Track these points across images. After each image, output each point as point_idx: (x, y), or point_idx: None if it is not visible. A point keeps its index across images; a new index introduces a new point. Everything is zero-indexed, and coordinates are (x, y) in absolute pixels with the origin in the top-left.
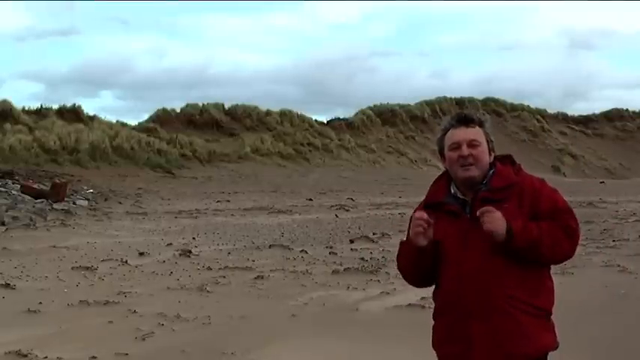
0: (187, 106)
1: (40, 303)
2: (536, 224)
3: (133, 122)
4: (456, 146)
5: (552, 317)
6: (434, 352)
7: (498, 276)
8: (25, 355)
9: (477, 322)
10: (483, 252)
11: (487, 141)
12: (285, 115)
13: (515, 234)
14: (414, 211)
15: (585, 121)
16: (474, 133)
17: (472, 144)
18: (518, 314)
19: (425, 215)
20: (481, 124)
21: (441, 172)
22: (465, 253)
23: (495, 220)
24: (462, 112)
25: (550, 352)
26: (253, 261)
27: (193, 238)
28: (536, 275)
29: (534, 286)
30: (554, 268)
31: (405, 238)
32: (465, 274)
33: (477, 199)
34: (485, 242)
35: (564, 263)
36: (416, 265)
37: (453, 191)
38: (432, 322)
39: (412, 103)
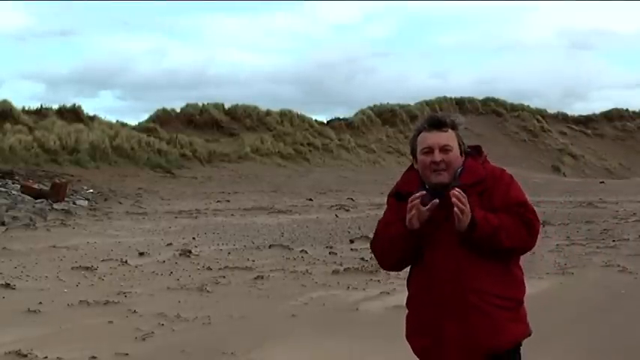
0: (187, 106)
1: (40, 303)
2: (496, 215)
3: (133, 122)
4: (428, 150)
5: (525, 306)
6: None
7: (465, 269)
8: (25, 355)
9: (446, 315)
10: (451, 245)
11: (459, 144)
12: (285, 115)
13: (477, 223)
14: (389, 197)
15: (585, 121)
16: (446, 137)
17: (444, 149)
18: (486, 307)
19: (418, 195)
20: (454, 127)
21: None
22: (435, 246)
23: (464, 212)
24: (435, 115)
25: (522, 340)
26: (253, 261)
27: (193, 238)
28: (502, 266)
29: (502, 278)
30: (554, 269)
31: (383, 220)
32: (435, 267)
33: (448, 197)
34: (452, 236)
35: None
36: (402, 249)
37: (426, 185)
38: (406, 312)
39: (412, 103)
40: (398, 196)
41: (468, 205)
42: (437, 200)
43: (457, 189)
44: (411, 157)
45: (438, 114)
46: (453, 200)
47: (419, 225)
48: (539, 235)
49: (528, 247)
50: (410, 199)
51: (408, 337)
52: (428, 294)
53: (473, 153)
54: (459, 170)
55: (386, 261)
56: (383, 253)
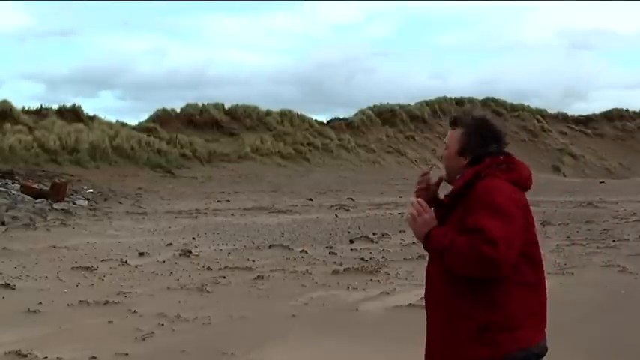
0: (187, 106)
1: (40, 303)
2: (455, 238)
3: (133, 122)
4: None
5: (504, 330)
6: None
7: (439, 281)
8: (25, 355)
9: (428, 321)
10: (437, 255)
11: (464, 143)
12: (285, 115)
13: (430, 238)
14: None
15: (585, 121)
16: (449, 136)
17: (445, 147)
18: (447, 321)
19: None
20: (463, 125)
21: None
22: (431, 256)
23: (414, 220)
24: (454, 114)
25: None
26: (253, 261)
27: (193, 238)
28: (475, 285)
29: (469, 297)
30: (554, 269)
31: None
32: (426, 276)
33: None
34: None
35: (564, 263)
36: None
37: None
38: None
39: (412, 103)
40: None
41: (424, 215)
42: (415, 199)
43: (413, 199)
44: None
45: (457, 112)
46: (410, 205)
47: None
48: (498, 266)
49: (487, 277)
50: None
51: None
52: (424, 298)
53: (489, 160)
54: (457, 178)
55: None
56: None
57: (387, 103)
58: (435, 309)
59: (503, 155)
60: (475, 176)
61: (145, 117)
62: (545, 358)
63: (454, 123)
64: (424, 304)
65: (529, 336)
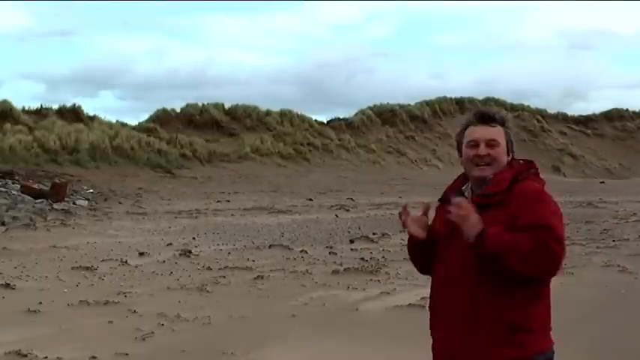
0: (187, 106)
1: (40, 303)
2: (514, 235)
3: (133, 122)
4: (474, 144)
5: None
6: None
7: (465, 281)
8: (25, 355)
9: (442, 325)
10: (461, 256)
11: (507, 141)
12: (285, 115)
13: (485, 239)
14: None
15: (585, 121)
16: (494, 132)
17: (490, 143)
18: (473, 323)
19: (406, 206)
20: (502, 123)
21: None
22: (447, 253)
23: (466, 220)
24: (484, 109)
25: None
26: (253, 261)
27: (193, 238)
28: (506, 286)
29: (500, 298)
30: None
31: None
32: (442, 276)
33: (472, 201)
34: (464, 247)
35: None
36: (415, 254)
37: (463, 188)
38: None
39: (412, 103)
40: (441, 200)
41: (472, 215)
42: (428, 203)
43: (459, 198)
44: (457, 152)
45: (487, 108)
46: (451, 209)
47: (423, 235)
48: (559, 263)
49: (544, 274)
50: (402, 209)
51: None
52: (433, 302)
53: (521, 166)
54: (489, 178)
55: (414, 264)
56: (410, 256)
57: (387, 103)
58: (456, 310)
59: (522, 160)
60: (515, 178)
61: (145, 117)
62: None
63: (491, 120)
64: (429, 305)
65: (549, 338)
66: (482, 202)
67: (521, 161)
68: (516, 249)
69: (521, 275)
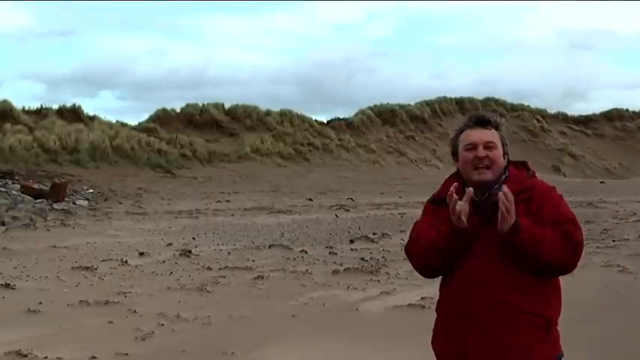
0: (187, 106)
1: (40, 303)
2: (541, 228)
3: (133, 122)
4: (472, 147)
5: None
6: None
7: (499, 280)
8: (25, 355)
9: (473, 327)
10: (487, 255)
11: (502, 144)
12: (285, 115)
13: (521, 229)
14: (426, 204)
15: (585, 121)
16: (491, 135)
17: (488, 146)
18: (517, 323)
19: (453, 189)
20: (497, 127)
21: (453, 172)
22: (473, 253)
23: (510, 211)
24: (479, 113)
25: None
26: (253, 261)
27: (193, 238)
28: (538, 282)
29: (535, 294)
30: None
31: (420, 224)
32: (468, 276)
33: (489, 201)
34: (490, 245)
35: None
36: (437, 257)
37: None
38: (434, 318)
39: (412, 103)
40: (437, 202)
41: (513, 206)
42: (471, 189)
43: (506, 188)
44: (452, 157)
45: (483, 112)
46: (499, 196)
47: (465, 221)
48: (581, 254)
49: (569, 267)
50: (448, 195)
51: (433, 342)
52: (458, 303)
53: (519, 166)
54: (503, 178)
55: (428, 265)
56: (419, 256)
57: (387, 103)
58: (492, 310)
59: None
60: (531, 177)
61: (145, 117)
62: None
63: (487, 123)
64: (446, 308)
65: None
66: (518, 198)
67: (517, 163)
68: (548, 241)
69: (546, 267)
